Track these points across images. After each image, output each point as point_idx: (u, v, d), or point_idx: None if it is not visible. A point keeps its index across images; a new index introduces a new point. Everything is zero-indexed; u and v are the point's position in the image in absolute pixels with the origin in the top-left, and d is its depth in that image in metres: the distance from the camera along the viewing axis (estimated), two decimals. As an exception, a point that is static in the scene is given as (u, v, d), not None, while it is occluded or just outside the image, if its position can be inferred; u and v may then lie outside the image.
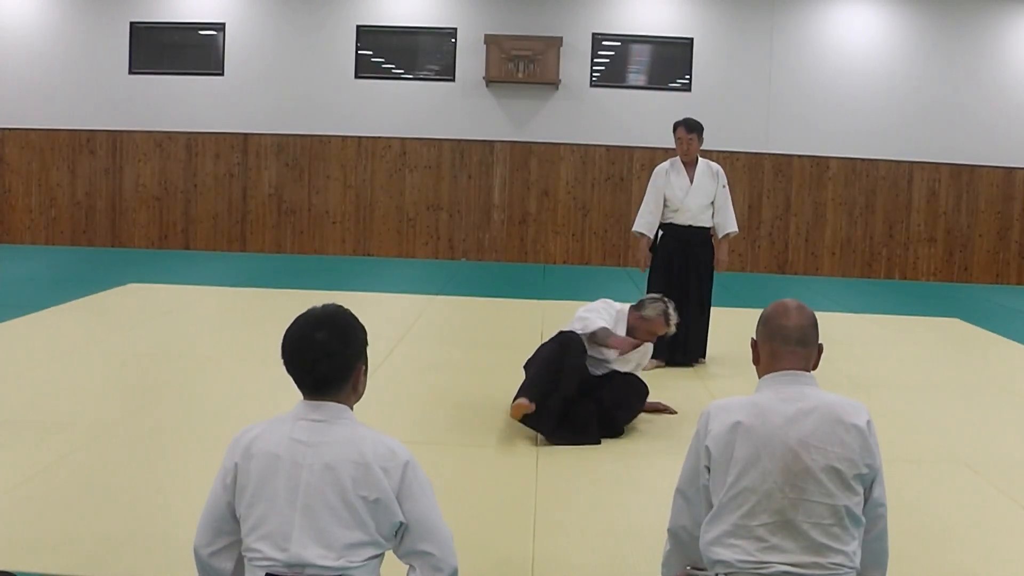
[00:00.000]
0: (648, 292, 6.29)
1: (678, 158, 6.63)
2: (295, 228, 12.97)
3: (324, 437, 2.19)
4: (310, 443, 2.18)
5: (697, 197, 6.58)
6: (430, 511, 2.22)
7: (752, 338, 2.53)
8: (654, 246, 6.72)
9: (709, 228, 6.70)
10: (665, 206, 6.61)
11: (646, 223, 6.67)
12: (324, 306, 2.31)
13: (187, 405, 5.18)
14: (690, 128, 6.52)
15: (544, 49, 12.36)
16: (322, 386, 2.24)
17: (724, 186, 6.66)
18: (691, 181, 6.58)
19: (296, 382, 2.27)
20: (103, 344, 6.60)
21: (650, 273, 6.74)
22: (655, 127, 12.73)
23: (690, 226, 6.61)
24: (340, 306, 2.32)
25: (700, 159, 6.64)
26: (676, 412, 5.26)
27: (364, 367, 2.32)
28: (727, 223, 6.69)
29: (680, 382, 6.11)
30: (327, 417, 2.23)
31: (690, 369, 6.48)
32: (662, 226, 6.69)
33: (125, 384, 5.62)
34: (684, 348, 6.49)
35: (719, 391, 5.76)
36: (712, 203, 6.63)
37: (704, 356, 6.70)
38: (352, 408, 2.30)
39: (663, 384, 6.05)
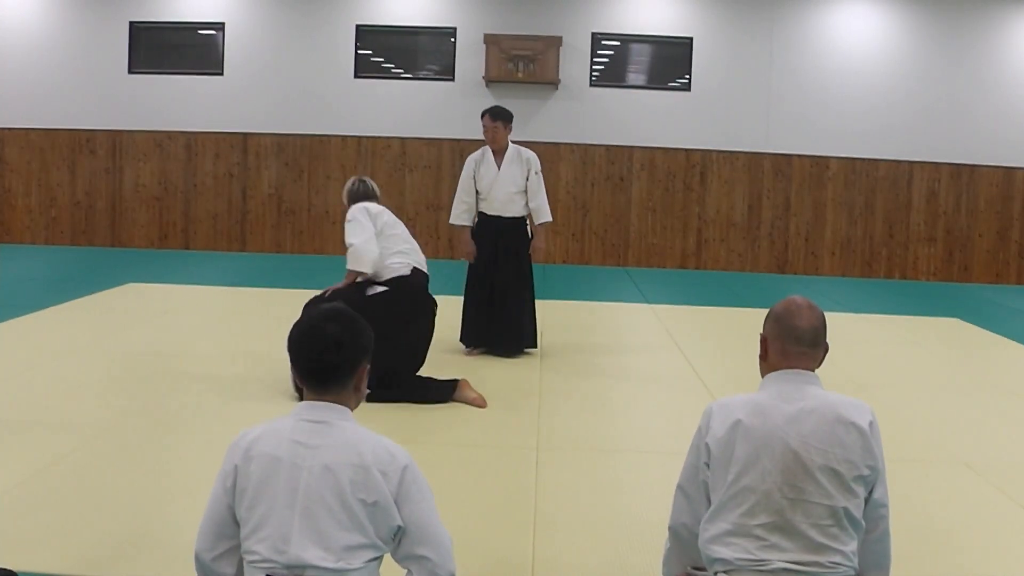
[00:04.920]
0: (466, 284, 6.72)
1: (488, 147, 6.66)
2: (295, 228, 12.97)
3: (324, 439, 2.19)
4: (310, 445, 2.18)
5: (504, 185, 6.59)
6: (428, 515, 2.21)
7: (761, 334, 2.52)
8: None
9: (521, 217, 6.71)
10: (478, 195, 6.69)
11: (460, 213, 6.71)
12: (333, 304, 2.35)
13: (186, 405, 5.18)
14: (494, 116, 6.58)
15: (544, 49, 12.36)
16: (328, 377, 2.24)
17: (537, 173, 6.66)
18: (499, 168, 6.60)
19: (301, 374, 2.27)
20: (103, 344, 6.61)
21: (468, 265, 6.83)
22: (655, 127, 12.76)
23: (499, 216, 6.65)
24: (347, 307, 2.35)
25: (511, 146, 6.65)
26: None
27: (368, 368, 2.33)
28: (540, 212, 6.69)
29: (680, 380, 6.12)
30: (327, 419, 2.22)
31: (690, 368, 6.48)
32: (478, 215, 6.76)
33: (125, 384, 5.62)
34: (512, 336, 6.65)
35: (719, 390, 5.76)
36: (524, 191, 6.65)
37: (535, 345, 6.76)
38: (353, 411, 2.30)
39: (662, 382, 6.06)
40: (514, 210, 6.67)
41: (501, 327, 6.62)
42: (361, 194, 5.63)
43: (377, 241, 5.35)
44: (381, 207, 5.60)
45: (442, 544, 2.22)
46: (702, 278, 12.02)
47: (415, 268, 5.50)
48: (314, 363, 2.23)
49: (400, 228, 5.57)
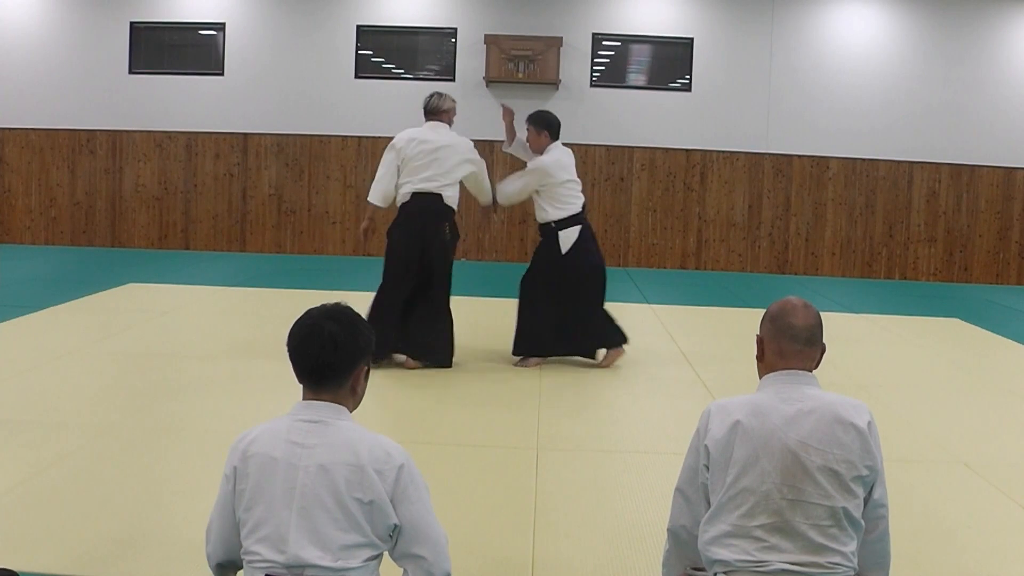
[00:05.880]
0: None
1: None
2: (295, 228, 12.97)
3: (320, 439, 2.19)
4: (306, 445, 2.18)
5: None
6: (424, 514, 2.21)
7: (758, 335, 2.52)
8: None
9: (547, 223, 6.72)
10: None
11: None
12: (334, 303, 2.33)
13: (186, 405, 5.18)
14: (527, 119, 6.50)
15: (544, 49, 12.36)
16: (326, 376, 2.23)
17: (532, 170, 6.44)
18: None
19: (299, 371, 2.27)
20: (103, 344, 6.60)
21: None
22: (655, 127, 12.76)
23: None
24: (349, 306, 2.34)
25: (548, 149, 6.48)
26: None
27: (367, 369, 2.32)
28: (493, 190, 6.57)
29: (680, 381, 6.12)
30: (324, 418, 2.22)
31: (690, 369, 6.48)
32: None
33: (125, 384, 5.62)
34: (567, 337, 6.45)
35: (719, 390, 5.76)
36: (538, 194, 6.56)
37: (588, 355, 6.47)
38: (352, 412, 2.30)
39: (662, 382, 6.06)
40: (539, 216, 6.67)
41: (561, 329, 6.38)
42: (425, 109, 6.27)
43: (396, 174, 6.14)
44: (423, 134, 6.10)
45: (438, 543, 2.22)
46: (702, 278, 12.02)
47: (414, 193, 6.09)
48: (311, 361, 2.23)
49: (422, 159, 6.03)
